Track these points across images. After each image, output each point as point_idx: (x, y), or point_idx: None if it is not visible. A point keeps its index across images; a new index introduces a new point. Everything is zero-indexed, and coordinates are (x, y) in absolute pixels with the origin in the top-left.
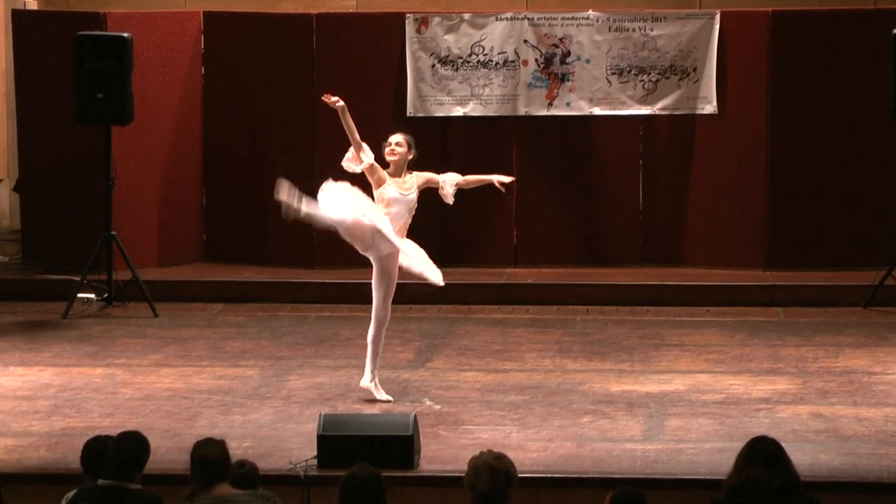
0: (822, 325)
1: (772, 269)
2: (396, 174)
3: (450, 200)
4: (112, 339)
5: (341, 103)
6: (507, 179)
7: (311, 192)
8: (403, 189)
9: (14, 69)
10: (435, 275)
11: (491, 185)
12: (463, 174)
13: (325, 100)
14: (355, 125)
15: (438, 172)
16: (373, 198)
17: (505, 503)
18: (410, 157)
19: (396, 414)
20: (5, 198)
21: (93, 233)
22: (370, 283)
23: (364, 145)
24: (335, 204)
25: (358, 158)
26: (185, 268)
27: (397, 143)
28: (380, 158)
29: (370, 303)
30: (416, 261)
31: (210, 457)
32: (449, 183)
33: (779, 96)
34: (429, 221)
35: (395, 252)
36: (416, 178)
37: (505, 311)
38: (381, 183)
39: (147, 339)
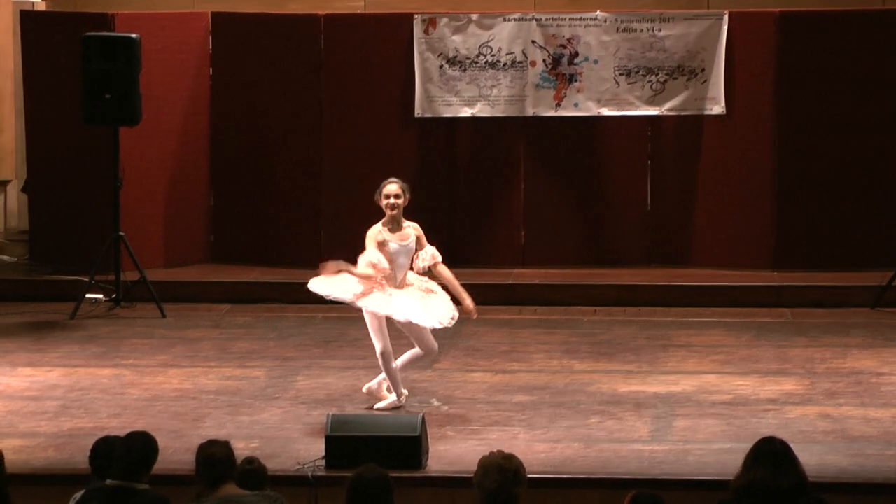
0: (830, 326)
1: (779, 270)
2: (395, 227)
3: (416, 269)
4: (119, 340)
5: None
6: (473, 310)
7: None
8: (403, 241)
9: (22, 70)
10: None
11: (457, 291)
12: (445, 263)
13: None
14: (361, 269)
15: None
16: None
17: (513, 503)
18: (405, 199)
19: (404, 415)
20: (13, 198)
21: (100, 234)
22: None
23: (371, 258)
24: (332, 288)
25: (376, 269)
26: (192, 269)
27: (395, 196)
28: (375, 209)
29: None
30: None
31: (215, 455)
32: (427, 256)
33: (786, 97)
34: (436, 222)
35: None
36: (414, 230)
37: (512, 311)
38: (383, 247)
39: (154, 340)
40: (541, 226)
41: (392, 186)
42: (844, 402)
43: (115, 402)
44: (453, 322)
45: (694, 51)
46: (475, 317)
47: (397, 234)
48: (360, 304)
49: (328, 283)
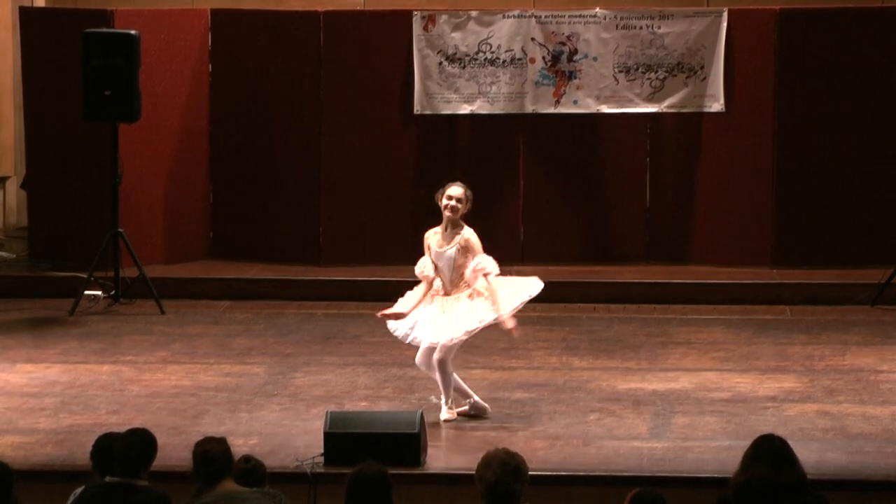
0: (830, 324)
1: (779, 267)
2: (449, 231)
3: (464, 275)
4: (119, 337)
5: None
6: (508, 325)
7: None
8: (442, 247)
9: (21, 66)
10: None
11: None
12: (491, 276)
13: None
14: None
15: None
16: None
17: (513, 499)
18: (463, 206)
19: (403, 412)
20: (12, 195)
21: (100, 230)
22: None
23: (418, 266)
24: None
25: (420, 278)
26: (191, 265)
27: (458, 199)
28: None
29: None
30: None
31: (212, 451)
32: (475, 268)
33: (786, 94)
34: (436, 219)
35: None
36: (462, 240)
37: None
38: (429, 251)
39: (154, 336)
40: (540, 223)
41: (456, 189)
42: (844, 399)
43: (115, 398)
44: (468, 335)
45: (693, 48)
46: (514, 334)
47: (446, 238)
48: (396, 334)
49: (399, 321)
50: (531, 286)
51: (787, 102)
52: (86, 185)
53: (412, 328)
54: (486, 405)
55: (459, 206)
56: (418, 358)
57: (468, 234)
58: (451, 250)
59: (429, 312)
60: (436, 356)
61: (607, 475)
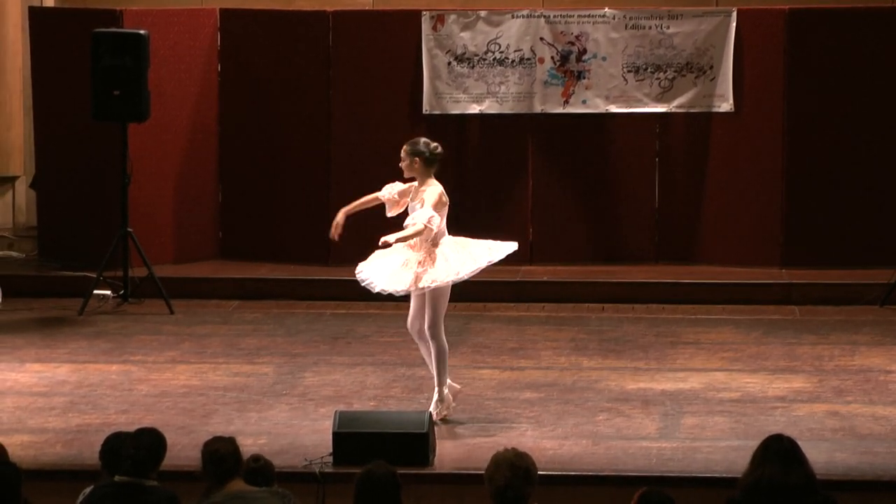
0: (839, 324)
1: (788, 268)
2: (419, 183)
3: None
4: (128, 336)
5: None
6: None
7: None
8: (414, 199)
9: (31, 66)
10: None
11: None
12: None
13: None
14: (363, 200)
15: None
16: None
17: (523, 502)
18: (413, 164)
19: (411, 411)
20: (22, 195)
21: (109, 230)
22: None
23: (385, 192)
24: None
25: (394, 203)
26: (200, 265)
27: (401, 159)
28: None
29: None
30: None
31: (220, 451)
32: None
33: (795, 94)
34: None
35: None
36: (422, 193)
37: (520, 308)
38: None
39: (163, 336)
40: (549, 223)
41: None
42: (853, 399)
43: (124, 398)
44: (418, 291)
45: (703, 48)
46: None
47: (415, 192)
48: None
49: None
50: (496, 250)
51: (796, 102)
52: (95, 184)
53: (371, 273)
54: (452, 400)
55: (402, 164)
56: (409, 322)
57: (428, 188)
58: (416, 203)
59: (390, 261)
60: (426, 327)
61: (616, 475)
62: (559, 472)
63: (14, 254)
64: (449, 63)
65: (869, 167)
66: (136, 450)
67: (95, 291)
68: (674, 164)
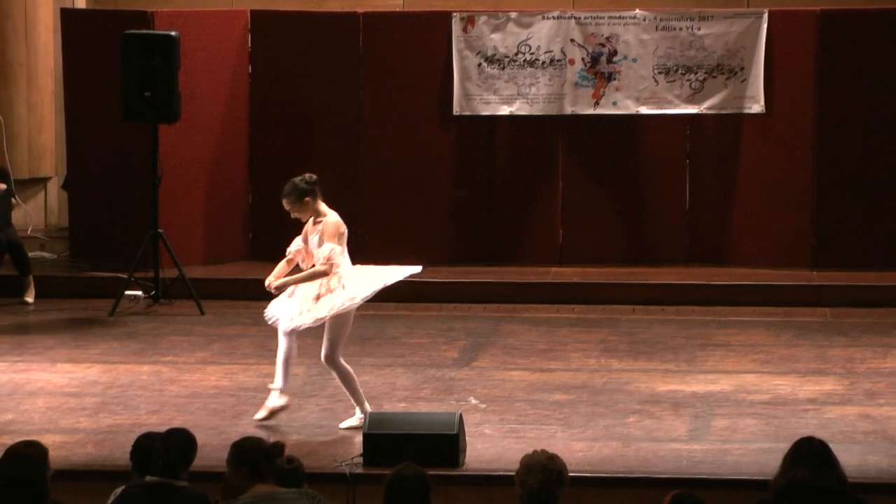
0: (870, 326)
1: (819, 270)
2: (313, 218)
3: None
4: (158, 337)
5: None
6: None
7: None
8: (312, 233)
9: (62, 68)
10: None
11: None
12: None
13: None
14: (294, 271)
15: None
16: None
17: (553, 503)
18: (304, 205)
19: (442, 413)
20: (53, 196)
21: (140, 231)
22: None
23: (292, 249)
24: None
25: (303, 253)
26: (231, 266)
27: (289, 210)
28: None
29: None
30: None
31: (246, 450)
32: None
33: (827, 96)
34: (475, 220)
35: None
36: (321, 226)
37: (550, 310)
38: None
39: (193, 337)
40: (579, 224)
41: (284, 203)
42: (885, 402)
43: (154, 398)
44: (317, 322)
45: (733, 49)
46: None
47: (313, 226)
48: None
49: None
50: (395, 273)
51: (827, 104)
52: (126, 185)
53: (277, 311)
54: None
55: (293, 212)
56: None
57: (325, 220)
58: (315, 237)
59: (295, 297)
60: (322, 357)
61: (646, 477)
62: (589, 474)
63: (46, 255)
64: (479, 64)
65: None
66: (166, 450)
67: (126, 292)
68: (704, 165)
